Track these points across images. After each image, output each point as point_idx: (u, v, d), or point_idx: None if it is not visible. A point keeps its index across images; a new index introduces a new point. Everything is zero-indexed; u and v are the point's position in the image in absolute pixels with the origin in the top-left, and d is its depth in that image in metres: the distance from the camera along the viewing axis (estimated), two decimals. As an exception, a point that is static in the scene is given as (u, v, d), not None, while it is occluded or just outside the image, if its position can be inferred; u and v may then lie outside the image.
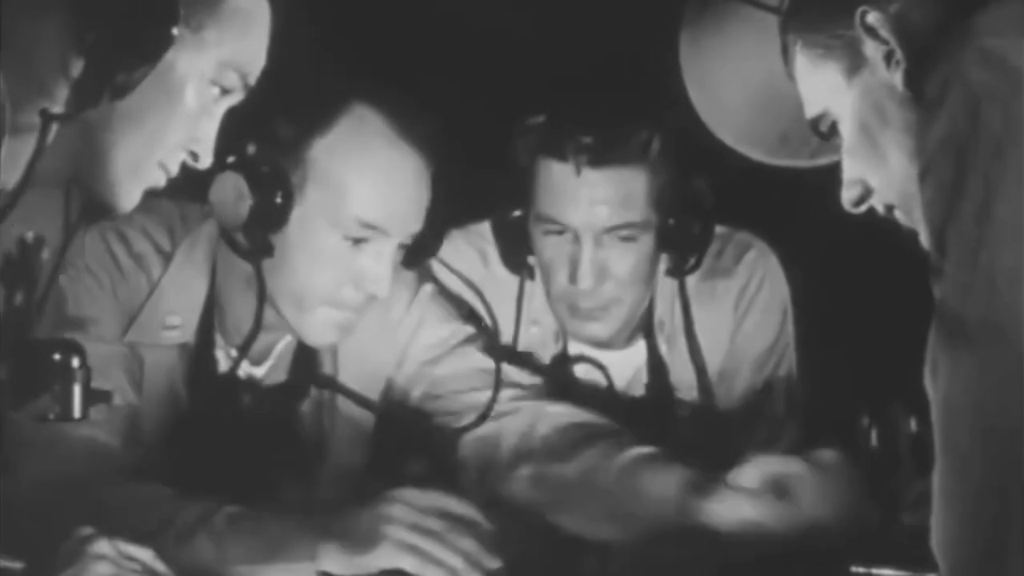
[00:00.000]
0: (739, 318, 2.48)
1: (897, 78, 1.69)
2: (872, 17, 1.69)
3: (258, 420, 2.15)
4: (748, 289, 2.48)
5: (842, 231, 2.63)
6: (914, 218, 1.71)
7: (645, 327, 2.48)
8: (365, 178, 2.05)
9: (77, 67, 1.64)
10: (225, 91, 1.78)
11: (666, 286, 2.47)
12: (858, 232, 2.52)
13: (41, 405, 1.64)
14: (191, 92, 1.75)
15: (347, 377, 2.22)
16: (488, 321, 2.20)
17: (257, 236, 2.04)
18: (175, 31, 1.66)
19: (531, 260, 2.43)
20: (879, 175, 1.77)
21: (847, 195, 1.81)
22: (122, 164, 1.74)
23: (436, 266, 2.32)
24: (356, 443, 2.24)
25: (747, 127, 2.12)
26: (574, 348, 2.51)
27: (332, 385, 2.20)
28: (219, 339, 2.17)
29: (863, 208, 1.81)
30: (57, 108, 1.64)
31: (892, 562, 1.91)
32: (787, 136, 2.10)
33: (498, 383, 2.15)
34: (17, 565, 1.80)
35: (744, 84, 2.11)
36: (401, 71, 2.58)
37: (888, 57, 1.70)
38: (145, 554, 1.82)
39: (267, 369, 2.20)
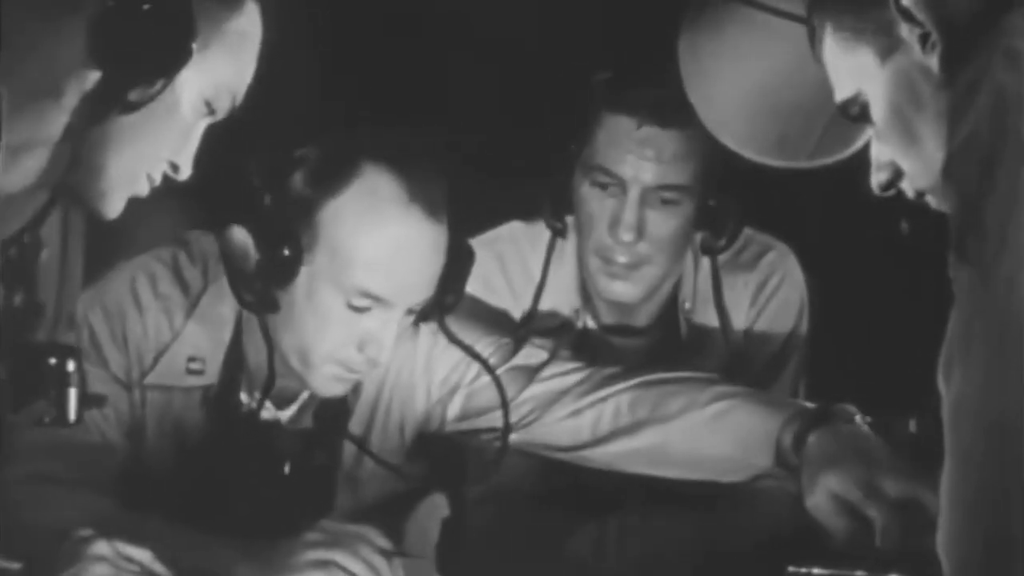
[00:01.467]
0: (755, 314, 2.50)
1: (933, 61, 1.66)
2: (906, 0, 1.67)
3: (278, 463, 2.14)
4: (766, 288, 2.50)
5: (842, 232, 2.66)
6: (947, 204, 1.70)
7: (668, 312, 2.50)
8: (371, 248, 2.02)
9: (91, 78, 1.65)
10: (212, 111, 1.79)
11: (689, 272, 2.49)
12: (860, 232, 2.54)
13: (37, 409, 1.64)
14: (187, 108, 1.76)
15: (382, 423, 2.21)
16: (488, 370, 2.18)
17: (262, 291, 2.03)
18: (192, 47, 1.67)
19: (566, 220, 2.46)
20: (912, 158, 1.75)
21: (876, 179, 1.79)
22: (115, 175, 1.75)
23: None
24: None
25: (746, 128, 2.12)
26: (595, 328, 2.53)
27: (359, 445, 2.18)
28: (244, 382, 2.16)
29: (892, 192, 1.79)
30: (65, 117, 1.65)
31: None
32: (786, 137, 2.10)
33: (504, 400, 2.15)
34: (16, 565, 1.80)
35: (743, 85, 2.11)
36: (416, 110, 2.62)
37: (923, 39, 1.67)
38: (144, 555, 1.82)
39: (292, 414, 2.18)
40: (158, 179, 1.80)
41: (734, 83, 2.12)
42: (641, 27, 2.48)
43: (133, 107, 1.68)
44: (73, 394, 1.65)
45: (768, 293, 2.50)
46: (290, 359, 2.08)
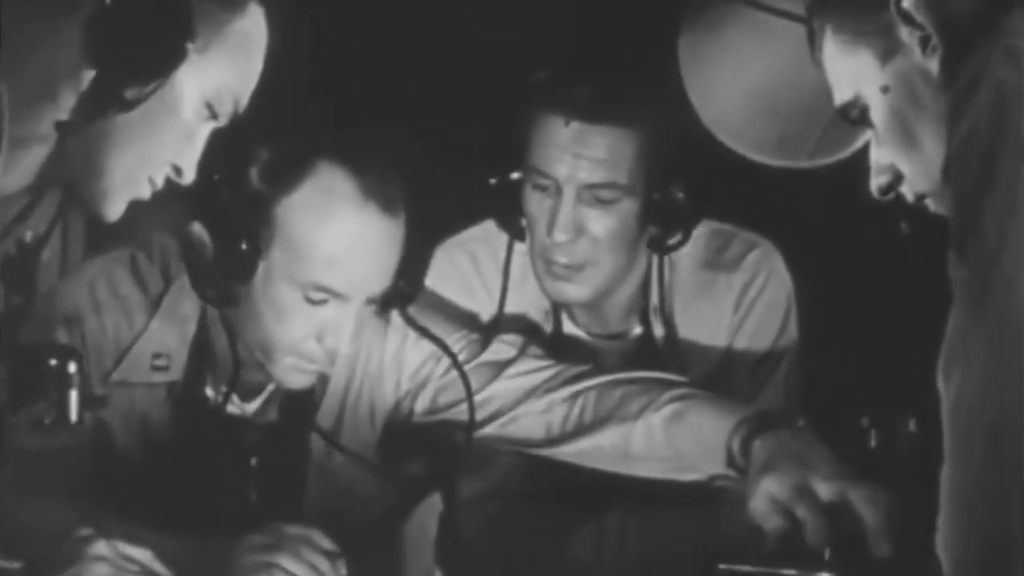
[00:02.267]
0: (739, 319, 2.46)
1: (933, 64, 1.67)
2: (907, 2, 1.67)
3: (245, 457, 2.16)
4: (750, 290, 2.46)
5: (841, 232, 2.65)
6: (947, 206, 1.69)
7: (641, 313, 2.49)
8: (326, 244, 2.05)
9: (87, 77, 1.65)
10: (214, 115, 1.79)
11: (658, 270, 2.46)
12: (859, 232, 2.53)
13: (37, 410, 1.64)
14: (188, 110, 1.76)
15: (352, 415, 2.22)
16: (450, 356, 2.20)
17: (222, 286, 2.06)
18: (189, 46, 1.66)
19: (523, 222, 2.43)
20: (912, 162, 1.75)
21: (876, 182, 1.79)
22: (117, 176, 1.75)
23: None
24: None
25: (746, 128, 2.12)
26: (568, 329, 2.52)
27: (326, 436, 2.19)
28: (210, 377, 2.17)
29: (891, 195, 1.79)
30: (63, 116, 1.65)
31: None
32: (786, 137, 2.09)
33: (470, 394, 2.17)
34: (15, 565, 1.80)
35: (743, 85, 2.11)
36: (377, 104, 2.61)
37: (924, 42, 1.67)
38: (143, 555, 1.82)
39: (257, 406, 2.20)
40: (160, 182, 1.80)
41: (734, 83, 2.12)
42: (640, 27, 2.47)
43: (129, 105, 1.68)
44: (74, 395, 1.65)
45: (753, 295, 2.45)
46: (253, 351, 2.11)
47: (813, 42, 1.82)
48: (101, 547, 1.80)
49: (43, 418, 1.64)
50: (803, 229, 2.57)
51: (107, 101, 1.66)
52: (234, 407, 2.18)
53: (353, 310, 2.07)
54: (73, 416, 1.65)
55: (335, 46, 2.79)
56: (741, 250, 2.48)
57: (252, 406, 2.20)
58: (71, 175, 1.75)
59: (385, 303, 2.12)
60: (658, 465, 2.15)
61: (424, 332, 2.20)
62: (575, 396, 2.20)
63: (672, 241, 2.38)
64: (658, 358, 2.44)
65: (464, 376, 2.18)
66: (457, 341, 2.24)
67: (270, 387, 2.19)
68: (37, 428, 1.64)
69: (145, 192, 1.80)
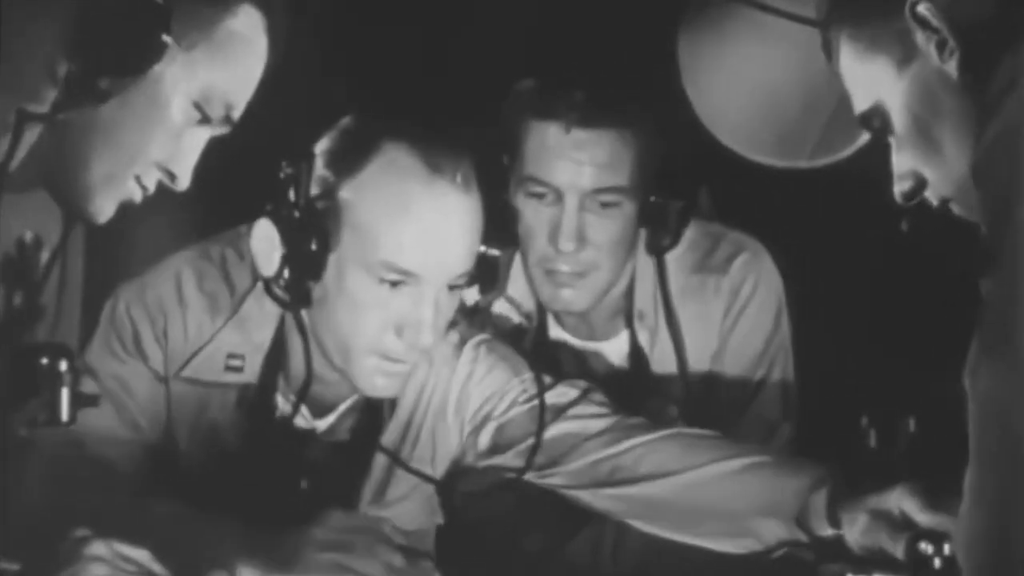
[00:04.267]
0: (731, 323, 2.45)
1: (951, 67, 1.66)
2: (922, 7, 1.66)
3: (303, 473, 2.13)
4: (741, 293, 2.45)
5: (840, 231, 2.65)
6: (972, 210, 1.68)
7: (626, 317, 2.48)
8: (394, 221, 1.99)
9: (63, 69, 1.64)
10: (206, 118, 1.77)
11: (647, 274, 2.45)
12: (858, 232, 2.53)
13: (29, 410, 1.64)
14: (176, 110, 1.75)
15: (417, 445, 2.19)
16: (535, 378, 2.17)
17: (293, 285, 2.00)
18: (166, 39, 1.65)
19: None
20: (934, 167, 1.73)
21: (899, 188, 1.78)
22: (98, 172, 1.74)
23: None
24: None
25: (745, 128, 2.12)
26: (554, 333, 2.51)
27: (392, 456, 2.16)
28: (282, 384, 2.14)
29: (916, 201, 1.77)
30: (36, 107, 1.64)
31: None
32: (785, 137, 2.09)
33: (541, 429, 2.13)
34: (14, 566, 1.80)
35: (743, 86, 2.11)
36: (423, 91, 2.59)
37: (940, 46, 1.67)
38: (141, 555, 1.82)
39: (329, 424, 2.17)
40: (151, 186, 1.79)
41: (733, 83, 2.12)
42: (636, 26, 2.47)
43: (104, 96, 1.66)
44: (66, 394, 1.65)
45: (743, 300, 2.45)
46: (333, 358, 2.06)
47: (829, 51, 1.82)
48: (99, 547, 1.80)
49: (35, 417, 1.64)
50: (802, 229, 2.57)
51: (83, 90, 1.65)
52: (303, 421, 2.14)
53: (430, 297, 2.01)
54: (64, 415, 1.65)
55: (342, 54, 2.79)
56: (730, 252, 2.47)
57: (323, 423, 2.16)
58: (48, 167, 1.74)
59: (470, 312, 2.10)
60: (710, 525, 2.09)
61: (504, 336, 2.20)
62: (627, 451, 2.13)
63: (665, 243, 2.37)
64: (644, 362, 2.44)
65: (543, 405, 2.13)
66: (522, 382, 2.19)
67: (343, 406, 2.15)
68: (30, 426, 1.64)
69: (135, 194, 1.78)
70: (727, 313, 2.44)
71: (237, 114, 1.80)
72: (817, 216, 2.64)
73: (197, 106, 1.76)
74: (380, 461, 2.16)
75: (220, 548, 1.89)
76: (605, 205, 2.32)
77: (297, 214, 1.98)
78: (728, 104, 2.13)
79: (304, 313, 2.06)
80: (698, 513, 2.09)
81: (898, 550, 1.85)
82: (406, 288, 2.00)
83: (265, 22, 1.81)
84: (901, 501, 1.87)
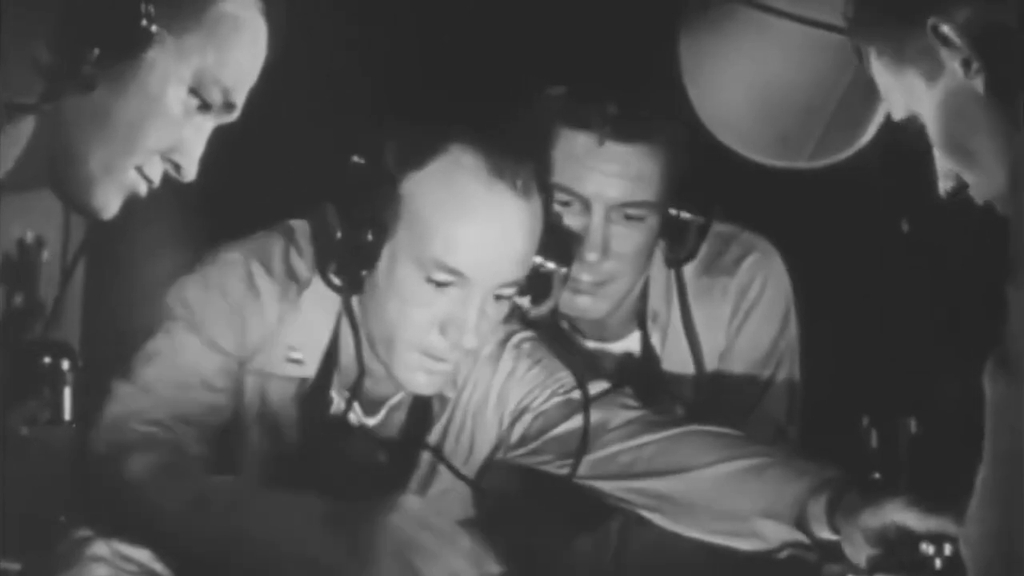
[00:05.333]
0: (738, 323, 2.45)
1: (978, 84, 1.66)
2: (944, 28, 1.66)
3: (359, 467, 2.14)
4: (749, 293, 2.45)
5: (844, 233, 2.65)
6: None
7: (639, 318, 2.48)
8: (451, 219, 1.98)
9: (47, 58, 1.63)
10: (205, 104, 1.75)
11: (660, 277, 2.45)
12: (862, 233, 2.53)
13: (32, 408, 1.64)
14: (171, 98, 1.71)
15: (458, 442, 2.20)
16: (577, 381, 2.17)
17: (347, 271, 2.02)
18: (147, 25, 1.63)
19: None
20: (973, 175, 1.73)
21: (943, 185, 1.77)
22: (96, 163, 1.70)
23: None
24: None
25: (747, 129, 2.12)
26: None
27: (440, 457, 2.17)
28: (336, 380, 2.14)
29: (959, 198, 1.77)
30: (21, 98, 1.63)
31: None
32: (787, 138, 2.10)
33: (586, 433, 2.13)
34: (15, 566, 1.80)
35: (744, 86, 2.11)
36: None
37: (966, 64, 1.66)
38: (142, 554, 1.81)
39: (379, 420, 2.17)
40: (156, 178, 1.77)
41: (734, 83, 2.12)
42: (635, 29, 2.47)
43: (92, 82, 1.64)
44: (68, 393, 1.64)
45: (751, 301, 2.45)
46: (378, 349, 2.06)
47: (862, 60, 1.80)
48: (100, 547, 1.79)
49: (38, 416, 1.64)
50: (803, 230, 2.57)
51: (67, 80, 1.63)
52: (355, 417, 2.15)
53: (476, 300, 2.00)
54: (67, 414, 1.65)
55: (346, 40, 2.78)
56: (739, 253, 2.47)
57: (374, 420, 2.17)
58: (47, 163, 1.72)
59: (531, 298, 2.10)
60: (717, 523, 2.09)
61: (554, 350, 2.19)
62: (647, 444, 2.14)
63: (683, 256, 2.38)
64: (656, 362, 2.45)
65: (586, 395, 2.13)
66: (563, 376, 2.19)
67: (392, 400, 2.16)
68: (32, 425, 1.64)
69: (139, 187, 1.76)
70: (735, 313, 2.45)
71: (238, 99, 1.77)
72: (819, 217, 2.64)
73: (194, 92, 1.72)
74: (426, 456, 2.17)
75: (295, 521, 1.86)
76: (630, 218, 2.31)
77: (358, 203, 1.99)
78: (728, 104, 2.13)
79: (357, 306, 2.08)
80: (705, 511, 2.09)
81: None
82: (453, 290, 2.00)
83: (261, 5, 1.77)
84: (896, 515, 1.86)
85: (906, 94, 1.75)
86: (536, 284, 2.10)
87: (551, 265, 2.11)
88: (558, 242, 2.12)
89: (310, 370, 2.12)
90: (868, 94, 1.87)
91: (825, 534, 1.95)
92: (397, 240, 2.01)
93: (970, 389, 1.57)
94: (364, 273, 2.02)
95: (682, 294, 2.44)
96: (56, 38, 1.61)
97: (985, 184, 1.72)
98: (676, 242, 2.38)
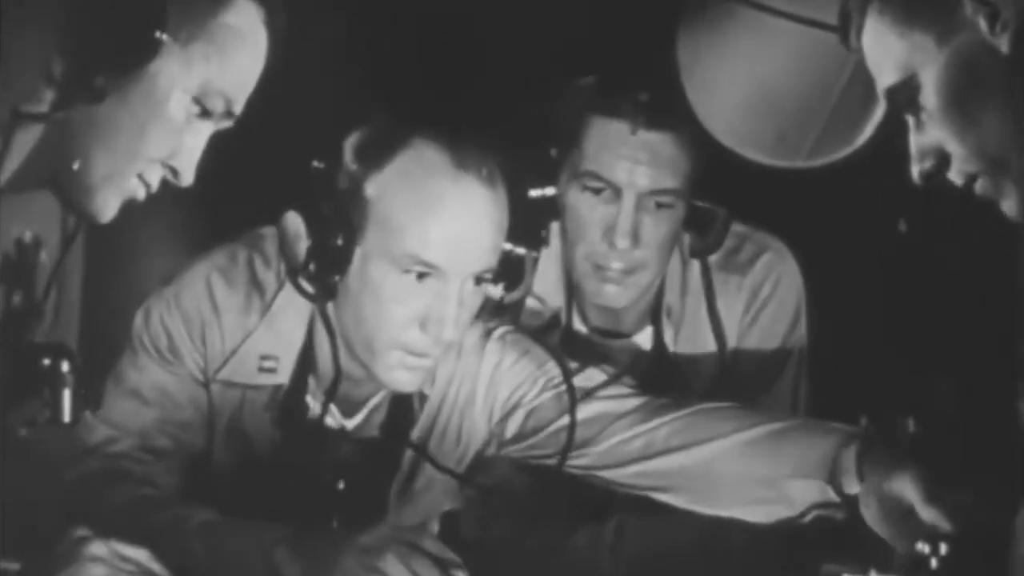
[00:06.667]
0: (749, 321, 2.48)
1: (1003, 41, 1.65)
2: None
3: (339, 470, 2.14)
4: (761, 292, 2.48)
5: (844, 233, 2.65)
6: (1001, 185, 1.67)
7: (653, 313, 2.49)
8: (419, 213, 1.98)
9: (59, 69, 1.64)
10: (206, 112, 1.76)
11: (676, 272, 2.47)
12: (861, 233, 2.53)
13: (31, 409, 1.64)
14: (174, 105, 1.73)
15: (444, 437, 2.20)
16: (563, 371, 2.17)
17: (319, 278, 2.01)
18: (160, 36, 1.64)
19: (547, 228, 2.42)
20: (964, 141, 1.71)
21: (919, 167, 1.75)
22: (99, 171, 1.72)
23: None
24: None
25: (744, 128, 2.12)
26: (577, 328, 2.52)
27: (422, 452, 2.17)
28: (312, 384, 2.15)
29: (936, 180, 1.75)
30: (32, 108, 1.64)
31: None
32: (784, 137, 2.10)
33: (573, 413, 2.12)
34: (13, 566, 1.80)
35: (742, 85, 2.11)
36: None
37: (992, 18, 1.65)
38: (140, 554, 1.81)
39: (358, 422, 2.17)
40: (154, 183, 1.78)
41: (732, 83, 2.12)
42: (634, 28, 2.47)
43: (100, 94, 1.65)
44: (67, 395, 1.64)
45: (763, 298, 2.48)
46: (356, 351, 2.06)
47: (849, 27, 1.78)
48: (98, 547, 1.79)
49: (37, 417, 1.64)
50: (803, 230, 2.57)
51: (79, 91, 1.64)
52: (333, 421, 2.15)
53: (455, 290, 2.01)
54: (66, 416, 1.64)
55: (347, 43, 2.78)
56: (753, 252, 2.50)
57: (352, 422, 2.17)
58: (50, 172, 1.73)
59: (496, 310, 2.12)
60: (741, 493, 2.08)
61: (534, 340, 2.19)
62: (658, 427, 2.13)
63: (711, 243, 2.41)
64: (667, 357, 2.45)
65: (572, 389, 2.13)
66: (550, 370, 2.19)
67: (372, 401, 2.16)
68: (30, 426, 1.64)
69: (139, 192, 1.77)
70: (747, 309, 2.48)
71: (238, 108, 1.79)
72: (823, 216, 2.64)
73: (196, 101, 1.74)
74: (408, 454, 2.17)
75: (261, 542, 1.89)
76: (660, 206, 2.35)
77: (324, 208, 1.99)
78: (726, 103, 2.13)
79: (331, 310, 2.07)
80: (730, 481, 2.08)
81: (899, 545, 1.86)
82: (431, 281, 2.00)
83: (264, 15, 1.79)
84: (906, 488, 1.87)
85: (909, 52, 1.72)
86: (508, 270, 2.09)
87: (521, 250, 2.10)
88: (526, 227, 2.11)
89: (283, 377, 2.12)
90: (866, 94, 1.86)
91: (854, 488, 1.95)
92: (367, 241, 2.00)
93: (969, 389, 1.57)
94: (337, 279, 2.01)
95: (708, 284, 2.46)
96: (69, 48, 1.62)
97: (974, 153, 1.71)
98: (702, 231, 2.41)
